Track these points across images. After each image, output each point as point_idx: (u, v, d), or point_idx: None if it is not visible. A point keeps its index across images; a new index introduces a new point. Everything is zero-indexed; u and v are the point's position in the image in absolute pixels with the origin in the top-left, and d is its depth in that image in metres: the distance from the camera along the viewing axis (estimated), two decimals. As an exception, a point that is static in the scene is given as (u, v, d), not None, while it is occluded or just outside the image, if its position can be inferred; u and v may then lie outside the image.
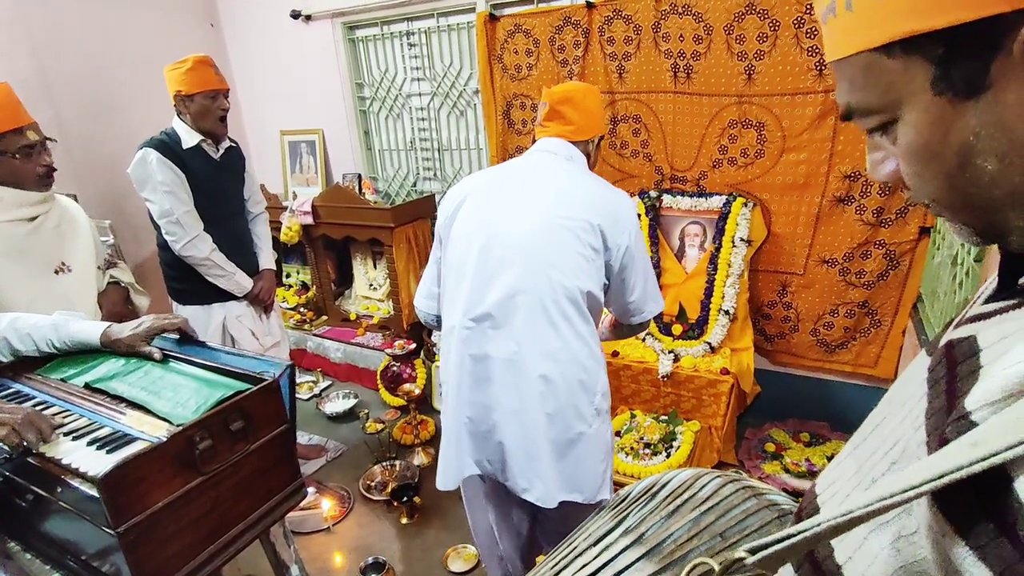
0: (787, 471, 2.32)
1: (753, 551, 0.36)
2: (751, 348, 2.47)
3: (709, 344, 2.42)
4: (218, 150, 2.23)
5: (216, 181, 2.22)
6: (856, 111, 0.42)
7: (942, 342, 0.43)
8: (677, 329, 2.52)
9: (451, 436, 1.41)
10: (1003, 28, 0.31)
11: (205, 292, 2.23)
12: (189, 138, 2.13)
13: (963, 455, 0.29)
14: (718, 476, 0.76)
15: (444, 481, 1.43)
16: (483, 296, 1.32)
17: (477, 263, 1.33)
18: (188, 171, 2.12)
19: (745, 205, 2.42)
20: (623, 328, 1.58)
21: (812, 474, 2.28)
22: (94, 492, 0.84)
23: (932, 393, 0.40)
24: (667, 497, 0.74)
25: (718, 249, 2.45)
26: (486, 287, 1.31)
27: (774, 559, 0.35)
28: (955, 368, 0.39)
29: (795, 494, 2.23)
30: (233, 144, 2.30)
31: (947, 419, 0.36)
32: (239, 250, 2.30)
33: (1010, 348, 0.34)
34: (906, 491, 0.31)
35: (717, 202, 2.48)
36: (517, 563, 1.63)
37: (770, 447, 2.45)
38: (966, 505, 0.32)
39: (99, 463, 0.88)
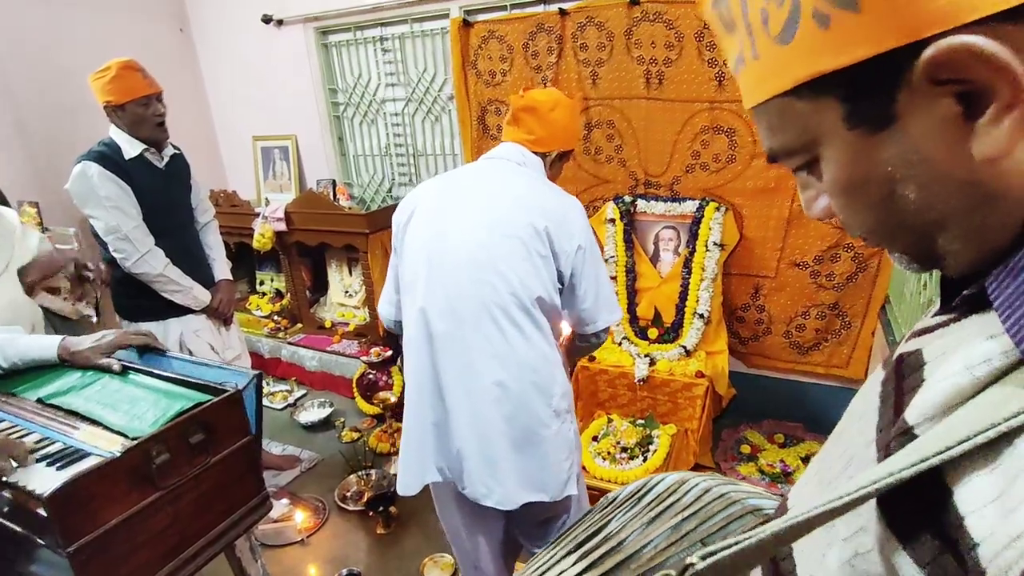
0: (762, 472, 2.34)
1: (704, 556, 0.36)
2: (725, 351, 2.49)
3: (684, 347, 2.44)
4: (162, 158, 2.10)
5: (163, 191, 2.10)
6: (779, 153, 0.42)
7: (895, 355, 0.44)
8: (653, 333, 2.54)
9: (413, 441, 1.40)
10: (901, 62, 0.31)
11: (159, 307, 2.12)
12: (130, 148, 2.00)
13: (898, 463, 0.30)
14: (704, 480, 0.75)
15: (405, 486, 1.41)
16: (433, 306, 1.32)
17: (427, 275, 1.33)
18: (133, 183, 1.99)
19: (718, 210, 2.45)
20: (578, 348, 1.55)
21: (787, 475, 2.31)
22: (42, 511, 0.81)
23: (883, 407, 0.41)
24: (651, 502, 0.74)
25: (692, 253, 2.47)
26: (435, 297, 1.32)
27: (727, 566, 0.35)
28: (902, 382, 0.40)
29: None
30: (177, 150, 2.19)
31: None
32: (192, 262, 2.20)
33: (946, 363, 0.35)
34: (842, 497, 0.31)
35: (690, 207, 2.50)
36: (494, 568, 1.61)
37: (745, 449, 2.47)
38: (911, 518, 0.32)
39: (49, 481, 0.85)
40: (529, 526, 1.55)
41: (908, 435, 0.34)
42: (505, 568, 1.65)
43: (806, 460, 2.37)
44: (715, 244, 2.43)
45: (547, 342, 1.35)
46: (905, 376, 0.40)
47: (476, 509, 1.50)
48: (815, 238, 2.36)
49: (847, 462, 0.43)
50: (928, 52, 0.30)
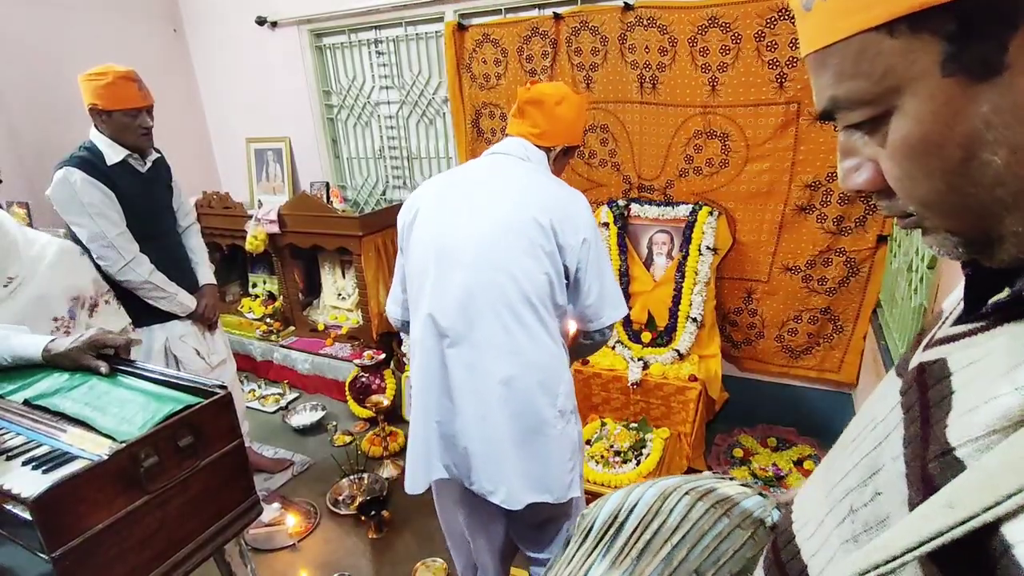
0: (755, 476, 2.34)
1: None
2: (718, 355, 2.50)
3: (677, 351, 2.44)
4: (145, 163, 2.08)
5: (147, 197, 2.08)
6: (843, 105, 0.37)
7: (912, 364, 0.42)
8: (646, 337, 2.54)
9: (419, 439, 1.40)
10: (1022, 3, 0.28)
11: (143, 313, 2.08)
12: (113, 153, 1.97)
13: (941, 519, 0.29)
14: (685, 494, 0.73)
15: (413, 484, 1.42)
16: (441, 305, 1.31)
17: (435, 273, 1.33)
18: (116, 189, 1.95)
19: (711, 214, 2.46)
20: (583, 345, 1.54)
21: (779, 478, 2.31)
22: (27, 515, 0.80)
23: (908, 419, 0.39)
24: (636, 529, 0.72)
25: (685, 257, 2.47)
26: (443, 296, 1.31)
27: None
28: (927, 393, 0.38)
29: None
30: (159, 154, 2.16)
31: (923, 448, 0.35)
32: (177, 267, 2.18)
33: (980, 376, 0.33)
34: (888, 561, 0.30)
35: (684, 211, 2.51)
36: (492, 568, 1.61)
37: (738, 452, 2.47)
38: (960, 564, 0.31)
39: (34, 484, 0.84)
40: (526, 528, 1.54)
41: (949, 456, 0.32)
42: (503, 570, 1.64)
43: (799, 464, 2.38)
44: (708, 248, 2.44)
45: (553, 340, 1.35)
46: (929, 387, 0.38)
47: (478, 509, 1.50)
48: (807, 243, 2.37)
49: (869, 473, 0.41)
50: None
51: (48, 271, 1.72)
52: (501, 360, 1.29)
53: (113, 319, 1.91)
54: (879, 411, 0.43)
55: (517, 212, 1.29)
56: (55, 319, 1.74)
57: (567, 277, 1.35)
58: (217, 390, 1.05)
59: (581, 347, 1.56)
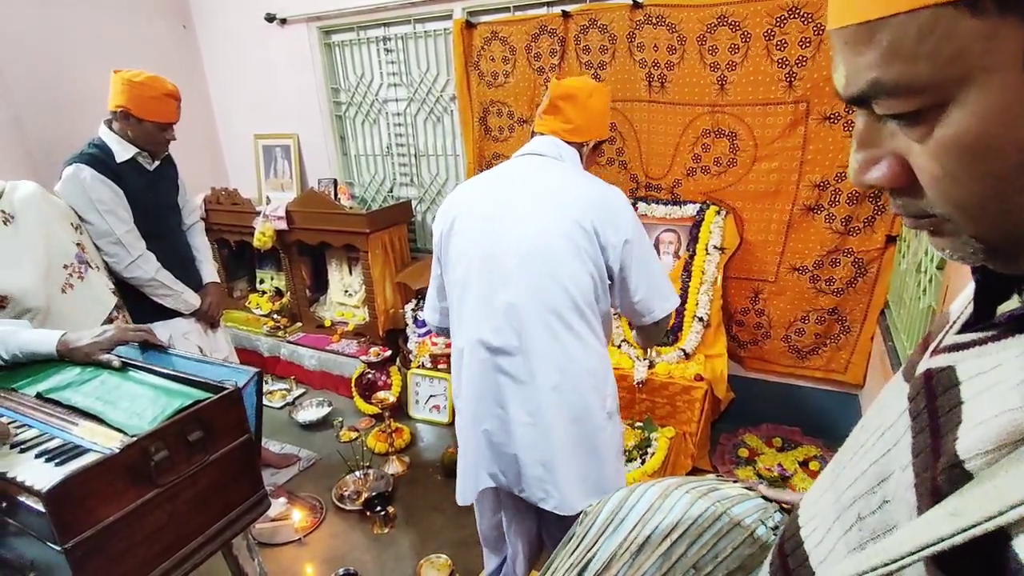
0: (760, 476, 2.34)
1: None
2: (725, 354, 2.49)
3: (683, 351, 2.44)
4: (153, 161, 2.10)
5: (154, 195, 2.10)
6: (888, 91, 0.31)
7: (919, 370, 0.41)
8: (652, 336, 2.53)
9: (468, 450, 1.40)
10: None
11: (146, 311, 2.09)
12: (122, 151, 1.99)
13: (944, 526, 0.28)
14: (686, 492, 0.73)
15: (463, 496, 1.42)
16: (488, 315, 1.30)
17: (478, 283, 1.32)
18: (125, 186, 1.98)
19: (718, 213, 2.45)
20: (644, 330, 1.51)
21: (784, 478, 2.31)
22: (40, 507, 0.81)
23: (916, 427, 0.38)
24: (635, 526, 0.72)
25: (692, 256, 2.47)
26: (489, 306, 1.30)
27: None
28: (935, 401, 0.37)
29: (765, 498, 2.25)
30: (166, 151, 2.18)
31: (934, 460, 0.34)
32: (181, 265, 2.20)
33: (990, 387, 0.33)
34: (887, 564, 0.30)
35: (691, 210, 2.50)
36: (523, 569, 1.62)
37: (743, 452, 2.47)
38: (967, 568, 0.30)
39: (47, 476, 0.85)
40: (561, 532, 1.54)
41: (959, 470, 0.31)
42: (530, 566, 1.65)
43: (804, 464, 2.37)
44: (715, 248, 2.43)
45: (600, 342, 1.35)
46: (937, 395, 0.37)
47: (517, 512, 1.52)
48: (815, 243, 2.36)
49: (877, 480, 0.41)
50: None
51: (37, 215, 1.72)
52: (551, 368, 1.28)
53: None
54: (887, 417, 0.43)
55: (559, 217, 1.28)
56: (65, 266, 1.76)
57: (610, 278, 1.33)
58: (226, 385, 1.06)
59: (647, 335, 1.52)
